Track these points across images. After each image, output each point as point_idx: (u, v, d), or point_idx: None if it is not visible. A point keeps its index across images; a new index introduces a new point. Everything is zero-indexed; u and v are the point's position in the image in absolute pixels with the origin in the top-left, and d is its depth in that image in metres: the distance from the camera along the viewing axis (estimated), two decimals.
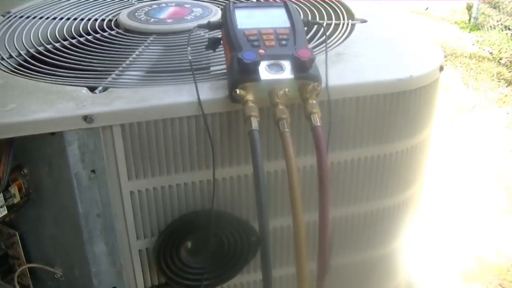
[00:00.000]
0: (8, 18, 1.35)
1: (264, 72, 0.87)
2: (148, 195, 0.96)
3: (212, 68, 1.03)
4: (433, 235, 2.27)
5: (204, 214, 0.98)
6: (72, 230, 0.97)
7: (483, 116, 3.37)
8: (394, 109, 0.99)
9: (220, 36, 1.03)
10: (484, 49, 4.43)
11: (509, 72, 4.01)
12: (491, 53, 4.36)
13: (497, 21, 4.80)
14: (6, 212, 0.94)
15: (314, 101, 0.87)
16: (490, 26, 4.79)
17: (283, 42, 0.92)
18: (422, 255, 2.08)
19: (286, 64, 0.88)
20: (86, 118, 0.87)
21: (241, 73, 0.86)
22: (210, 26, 1.05)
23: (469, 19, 5.05)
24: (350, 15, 1.28)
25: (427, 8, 5.32)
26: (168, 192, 0.96)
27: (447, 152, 2.92)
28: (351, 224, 1.10)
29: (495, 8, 5.09)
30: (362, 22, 1.23)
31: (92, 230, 0.96)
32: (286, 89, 0.85)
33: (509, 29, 4.67)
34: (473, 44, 4.55)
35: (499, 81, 3.85)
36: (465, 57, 4.23)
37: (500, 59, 4.24)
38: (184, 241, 1.00)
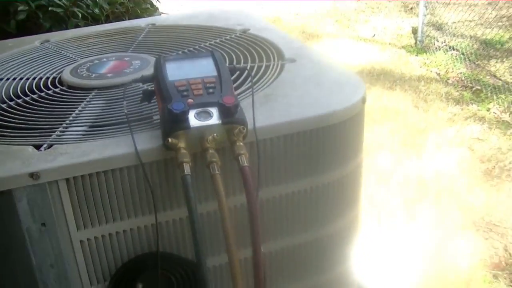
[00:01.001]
0: None
1: (193, 119, 0.93)
2: (97, 243, 1.00)
3: (149, 119, 1.09)
4: (391, 255, 2.32)
5: (151, 256, 1.03)
6: (28, 282, 1.00)
7: (435, 136, 3.45)
8: (321, 143, 1.06)
9: (153, 88, 1.09)
10: (431, 71, 4.56)
11: (457, 91, 4.13)
12: (438, 74, 4.49)
13: (442, 43, 4.94)
14: None
15: (241, 143, 0.93)
16: (436, 48, 4.92)
17: (211, 90, 0.98)
18: (381, 278, 2.13)
19: (214, 111, 0.95)
20: (33, 175, 0.92)
21: (172, 123, 0.92)
22: (144, 80, 1.12)
23: (415, 43, 5.19)
24: (280, 56, 1.35)
25: (374, 35, 5.45)
26: (116, 238, 1.01)
27: (401, 174, 2.99)
28: (292, 254, 1.15)
29: (439, 29, 5.24)
30: (291, 62, 1.30)
31: (47, 280, 1.00)
32: (215, 134, 0.92)
33: (454, 49, 4.81)
34: (420, 67, 4.67)
35: (448, 101, 3.95)
36: (414, 80, 4.34)
37: (448, 79, 4.36)
38: (135, 283, 1.04)
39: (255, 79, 1.19)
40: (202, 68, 1.05)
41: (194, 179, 0.90)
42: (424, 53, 4.94)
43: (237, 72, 1.19)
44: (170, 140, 0.91)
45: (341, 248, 1.21)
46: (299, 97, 1.11)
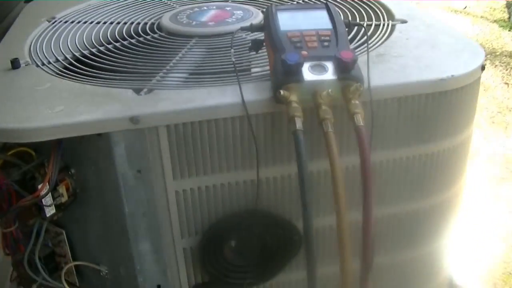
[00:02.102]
0: (53, 23, 1.38)
1: (307, 73, 0.88)
2: (192, 195, 0.97)
3: (254, 70, 1.05)
4: (475, 235, 2.25)
5: (248, 214, 0.99)
6: (118, 229, 0.99)
7: None
8: (436, 109, 1.00)
9: (262, 38, 1.04)
10: None
11: None
12: None
13: None
14: (54, 210, 0.96)
15: (357, 102, 0.87)
16: None
17: (326, 44, 0.93)
18: (464, 255, 2.07)
19: (329, 65, 0.89)
20: (133, 119, 0.89)
21: (285, 75, 0.87)
22: (253, 28, 1.07)
23: (509, 17, 4.98)
24: (390, 16, 1.28)
25: (465, 7, 5.26)
26: (212, 192, 0.97)
27: (488, 152, 2.89)
28: (393, 223, 1.10)
29: None
30: (402, 23, 1.23)
31: (138, 229, 0.98)
32: (329, 90, 0.86)
33: None
34: None
35: None
36: (505, 56, 4.17)
37: None
38: (228, 240, 1.02)
39: (365, 38, 1.13)
40: (316, 20, 0.99)
41: (304, 135, 0.85)
42: None
43: (347, 29, 1.12)
44: (282, 92, 0.86)
45: (442, 222, 1.16)
46: (414, 58, 1.05)
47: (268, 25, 0.98)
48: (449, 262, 1.26)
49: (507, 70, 3.92)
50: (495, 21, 4.97)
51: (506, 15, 5.06)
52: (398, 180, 1.05)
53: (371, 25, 1.23)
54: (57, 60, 1.14)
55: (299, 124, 0.84)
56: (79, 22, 1.37)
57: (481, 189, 2.58)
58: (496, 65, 3.98)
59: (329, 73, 0.88)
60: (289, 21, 0.99)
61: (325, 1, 1.05)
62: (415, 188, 1.07)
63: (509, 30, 4.74)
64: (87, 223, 1.04)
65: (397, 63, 1.03)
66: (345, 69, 0.88)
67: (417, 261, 1.19)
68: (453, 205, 1.16)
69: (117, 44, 1.21)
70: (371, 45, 1.11)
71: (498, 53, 4.21)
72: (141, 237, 0.99)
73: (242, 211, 1.00)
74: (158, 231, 0.99)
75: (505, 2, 5.28)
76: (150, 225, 0.98)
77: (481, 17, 5.07)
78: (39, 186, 0.92)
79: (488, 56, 4.11)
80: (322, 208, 1.02)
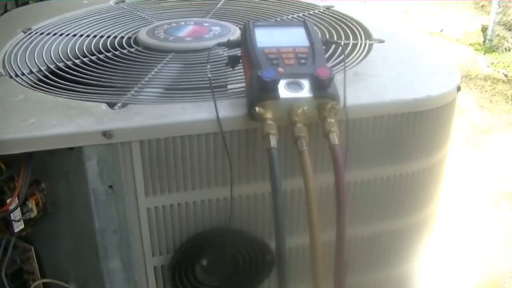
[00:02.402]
0: (29, 34, 1.36)
1: (283, 90, 0.87)
2: (164, 212, 0.95)
3: (230, 86, 1.04)
4: (448, 256, 2.26)
5: (220, 232, 0.98)
6: (88, 246, 0.97)
7: (498, 138, 3.35)
8: (411, 129, 0.99)
9: (239, 54, 1.04)
10: (498, 71, 4.42)
11: None
12: (505, 75, 4.35)
13: None
14: (23, 226, 0.94)
15: (333, 120, 0.87)
16: (505, 48, 4.78)
17: (302, 61, 0.92)
18: (437, 275, 2.07)
19: (305, 83, 0.88)
20: (105, 134, 0.87)
21: (261, 91, 0.86)
22: (230, 44, 1.06)
23: (484, 41, 5.04)
24: (368, 35, 1.28)
25: (442, 30, 5.32)
26: (185, 209, 0.96)
27: (462, 173, 2.90)
28: (367, 243, 1.09)
29: (510, 30, 5.08)
30: (379, 42, 1.23)
31: (108, 246, 0.96)
32: (305, 108, 0.85)
33: None
34: (487, 66, 4.54)
35: None
36: (480, 79, 4.22)
37: None
38: (200, 258, 1.00)
39: (342, 56, 1.13)
40: (294, 37, 0.99)
41: (278, 153, 0.84)
42: (493, 53, 4.80)
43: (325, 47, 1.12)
44: (257, 109, 0.85)
45: (416, 242, 1.15)
46: (391, 78, 1.05)
47: (245, 41, 0.97)
48: (423, 282, 1.26)
49: (481, 93, 3.96)
50: (470, 44, 5.02)
51: (481, 39, 5.11)
52: (373, 199, 1.04)
53: (348, 43, 1.23)
54: (31, 72, 1.13)
55: (273, 142, 0.83)
56: (55, 34, 1.36)
57: (454, 209, 2.59)
58: (471, 88, 4.02)
59: (305, 91, 0.88)
60: (266, 37, 0.98)
61: (303, 19, 1.04)
62: (390, 208, 1.07)
63: (483, 54, 4.79)
64: (56, 239, 1.01)
65: (373, 82, 1.03)
66: (321, 87, 0.87)
67: (391, 282, 1.18)
68: (427, 225, 1.15)
69: (93, 58, 1.19)
70: (348, 63, 1.11)
71: (473, 76, 4.26)
72: (111, 254, 0.97)
73: (215, 230, 0.98)
74: (129, 248, 0.97)
75: (480, 27, 5.34)
76: (120, 242, 0.96)
77: (457, 40, 5.12)
78: (8, 201, 0.90)
79: (463, 79, 4.15)
80: (296, 227, 1.01)
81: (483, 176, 2.91)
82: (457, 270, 2.21)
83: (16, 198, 0.90)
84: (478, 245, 2.37)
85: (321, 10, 1.48)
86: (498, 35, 5.02)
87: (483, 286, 2.16)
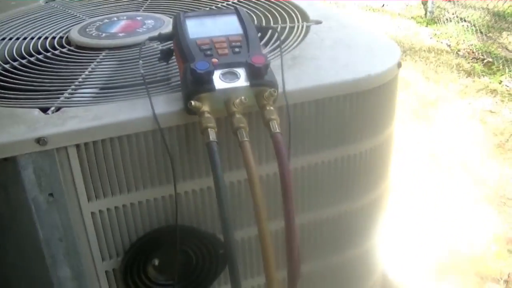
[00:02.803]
0: None
1: (219, 81, 0.85)
2: (110, 215, 0.93)
3: (166, 81, 1.01)
4: (405, 231, 2.27)
5: (169, 230, 0.96)
6: (34, 256, 0.94)
7: (446, 108, 3.38)
8: (354, 110, 0.98)
9: (172, 47, 1.01)
10: (442, 42, 4.46)
11: (468, 63, 4.04)
12: (449, 45, 4.40)
13: (453, 14, 4.84)
14: None
15: (272, 108, 0.85)
16: (446, 19, 4.83)
17: (237, 50, 0.90)
18: (395, 252, 2.08)
19: (241, 72, 0.86)
20: (39, 141, 0.84)
21: (195, 84, 0.84)
22: (161, 38, 1.03)
23: (425, 14, 5.08)
24: (305, 17, 1.26)
25: (383, 5, 5.35)
26: (130, 210, 0.94)
27: (413, 147, 2.92)
28: (320, 229, 1.08)
29: (449, 1, 5.13)
30: (317, 24, 1.22)
31: (55, 254, 0.93)
32: (242, 97, 0.84)
33: (465, 21, 4.71)
34: (430, 38, 4.58)
35: (458, 73, 3.87)
36: (424, 51, 4.25)
37: (458, 50, 4.27)
38: (151, 258, 0.98)
39: (279, 42, 1.11)
40: (226, 26, 0.97)
41: (219, 146, 0.82)
42: (434, 24, 4.84)
43: (260, 33, 1.10)
44: (193, 103, 0.83)
45: (370, 223, 1.15)
46: (330, 60, 1.03)
47: (177, 33, 0.94)
48: (381, 260, 1.26)
49: (426, 65, 3.99)
50: (412, 17, 5.06)
51: (422, 12, 5.16)
52: (322, 184, 1.03)
53: (285, 27, 1.21)
54: None
55: (212, 135, 0.81)
56: None
57: (407, 184, 2.60)
58: (416, 61, 4.05)
59: (241, 80, 0.86)
60: (198, 28, 0.95)
61: (234, 6, 1.02)
62: (339, 191, 1.06)
63: (426, 26, 4.83)
64: (2, 251, 0.98)
65: (312, 65, 1.01)
66: (258, 75, 0.85)
67: (349, 264, 1.17)
68: (380, 204, 1.15)
69: (24, 61, 1.15)
70: (285, 48, 1.09)
71: (417, 49, 4.29)
72: (60, 263, 0.94)
73: (163, 228, 0.96)
74: (77, 255, 0.94)
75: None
76: (68, 250, 0.93)
77: (399, 14, 5.16)
78: None
79: (408, 51, 4.18)
80: (246, 218, 1.00)
81: (435, 147, 2.94)
82: (414, 247, 2.22)
83: None
84: (435, 220, 2.39)
85: None
86: (438, 6, 5.07)
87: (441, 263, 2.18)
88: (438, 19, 4.91)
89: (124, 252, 0.97)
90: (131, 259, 0.96)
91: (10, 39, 1.30)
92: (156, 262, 0.99)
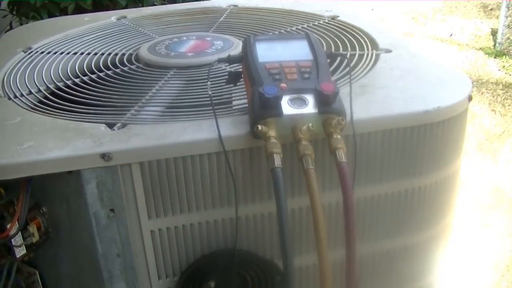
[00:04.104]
0: (29, 53, 1.34)
1: (287, 106, 0.84)
2: (169, 234, 0.93)
3: (233, 103, 1.01)
4: (467, 268, 2.22)
5: (227, 253, 0.95)
6: (91, 270, 0.94)
7: None
8: (421, 142, 0.96)
9: (241, 70, 1.01)
10: (510, 75, 4.37)
11: None
12: None
13: None
14: (25, 251, 0.91)
15: (339, 136, 0.84)
16: None
17: (306, 75, 0.89)
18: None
19: (309, 98, 0.85)
20: (104, 156, 0.85)
21: (263, 108, 0.84)
22: (231, 60, 1.03)
23: (494, 45, 4.99)
24: (374, 45, 1.25)
25: (451, 35, 5.28)
26: (189, 231, 0.93)
27: (477, 180, 2.86)
28: (379, 261, 1.06)
29: None
30: (386, 52, 1.20)
31: (112, 269, 0.94)
32: (310, 124, 0.83)
33: None
34: (499, 70, 4.49)
35: None
36: (492, 83, 4.18)
37: None
38: (207, 280, 0.97)
39: (348, 69, 1.09)
40: (296, 51, 0.96)
41: (283, 172, 0.81)
42: (503, 56, 4.75)
43: (329, 59, 1.09)
44: (260, 127, 0.82)
45: (430, 258, 1.11)
46: (399, 90, 1.01)
47: (246, 56, 0.94)
48: None
49: (493, 97, 3.92)
50: (480, 48, 4.98)
51: (491, 43, 5.07)
52: (384, 216, 1.01)
53: (354, 54, 1.20)
54: (30, 93, 1.11)
55: (277, 161, 0.80)
56: (55, 53, 1.34)
57: (470, 218, 2.55)
58: (482, 92, 3.98)
59: (309, 107, 0.85)
60: (267, 51, 0.95)
61: (305, 31, 1.01)
62: (402, 224, 1.03)
63: (494, 58, 4.75)
64: (60, 263, 0.99)
65: (381, 94, 1.00)
66: (326, 102, 0.84)
67: None
68: (442, 240, 1.12)
69: (93, 76, 1.17)
70: (354, 76, 1.08)
71: (484, 81, 4.21)
72: (116, 278, 0.95)
73: (221, 251, 0.95)
74: (134, 272, 0.94)
75: (489, 30, 5.30)
76: (125, 266, 0.94)
77: (467, 45, 5.08)
78: (8, 226, 0.87)
79: (475, 83, 4.11)
80: (305, 246, 0.98)
81: (500, 182, 2.87)
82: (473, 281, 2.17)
83: (16, 223, 0.88)
84: (494, 255, 2.34)
85: (326, 21, 1.46)
86: (508, 38, 4.97)
87: None
88: (507, 51, 4.82)
89: (180, 273, 0.96)
90: (187, 280, 0.96)
91: (82, 53, 1.33)
92: (212, 284, 0.98)
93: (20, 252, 0.91)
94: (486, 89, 4.05)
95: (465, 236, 2.41)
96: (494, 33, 5.16)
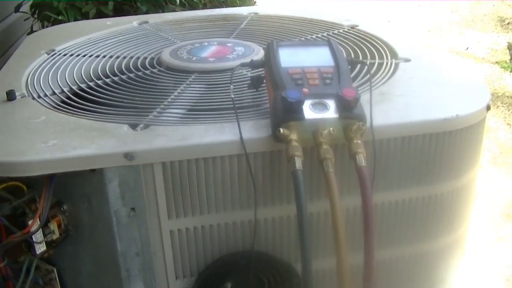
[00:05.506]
0: (52, 55, 1.36)
1: (308, 111, 0.86)
2: (188, 235, 0.94)
3: (254, 107, 1.02)
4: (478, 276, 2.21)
5: (245, 255, 0.96)
6: (110, 268, 0.96)
7: None
8: (440, 149, 0.97)
9: (262, 74, 1.02)
10: None
11: None
12: None
13: None
14: (45, 248, 0.93)
15: (359, 141, 0.85)
16: None
17: (327, 81, 0.91)
18: None
19: (331, 103, 0.87)
20: (127, 156, 0.86)
21: (285, 112, 0.85)
22: (253, 65, 1.05)
23: (510, 59, 4.98)
24: (394, 54, 1.26)
25: (467, 48, 5.27)
26: (208, 232, 0.94)
27: (490, 193, 2.86)
28: (396, 266, 1.07)
29: None
30: (405, 61, 1.21)
31: (131, 268, 0.95)
32: (331, 129, 0.84)
33: None
34: None
35: None
36: (507, 97, 4.16)
37: None
38: (224, 282, 0.98)
39: (368, 76, 1.11)
40: (319, 57, 0.98)
41: (304, 175, 0.82)
42: None
43: (350, 66, 1.10)
44: (281, 130, 0.83)
45: (445, 267, 1.11)
46: (418, 98, 1.03)
47: (269, 61, 0.96)
48: None
49: (509, 111, 3.90)
50: (496, 62, 4.97)
51: (507, 57, 5.06)
52: (400, 222, 1.02)
53: (374, 63, 1.21)
54: (54, 93, 1.13)
55: (298, 163, 0.82)
56: (78, 55, 1.36)
57: (483, 231, 2.54)
58: (498, 106, 3.96)
59: (330, 111, 0.86)
60: (290, 57, 0.97)
61: (327, 38, 1.02)
62: (417, 231, 1.04)
63: (510, 72, 4.73)
64: (79, 261, 1.00)
65: (400, 102, 1.01)
66: (347, 108, 0.85)
67: None
68: (457, 248, 1.13)
69: (115, 78, 1.19)
70: (374, 83, 1.09)
71: (500, 94, 4.20)
72: (134, 277, 0.96)
73: (239, 253, 0.96)
74: (152, 271, 0.96)
75: (506, 44, 5.29)
76: (143, 265, 0.95)
77: (483, 58, 5.07)
78: (30, 222, 0.89)
79: (490, 97, 4.10)
80: (322, 249, 0.99)
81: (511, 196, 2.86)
82: None
83: (38, 219, 0.89)
84: (507, 268, 2.33)
85: (346, 30, 1.47)
86: None
87: None
88: None
89: (198, 273, 0.97)
90: (204, 281, 0.97)
91: (104, 56, 1.35)
92: (229, 285, 0.99)
93: (40, 248, 0.92)
94: (502, 102, 4.04)
95: (478, 249, 2.40)
96: (510, 47, 5.14)
